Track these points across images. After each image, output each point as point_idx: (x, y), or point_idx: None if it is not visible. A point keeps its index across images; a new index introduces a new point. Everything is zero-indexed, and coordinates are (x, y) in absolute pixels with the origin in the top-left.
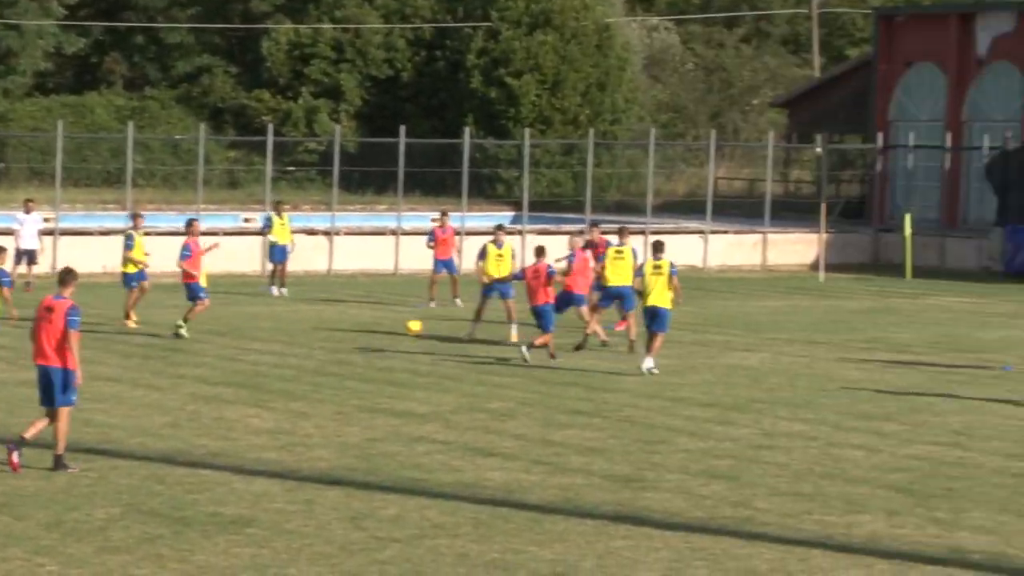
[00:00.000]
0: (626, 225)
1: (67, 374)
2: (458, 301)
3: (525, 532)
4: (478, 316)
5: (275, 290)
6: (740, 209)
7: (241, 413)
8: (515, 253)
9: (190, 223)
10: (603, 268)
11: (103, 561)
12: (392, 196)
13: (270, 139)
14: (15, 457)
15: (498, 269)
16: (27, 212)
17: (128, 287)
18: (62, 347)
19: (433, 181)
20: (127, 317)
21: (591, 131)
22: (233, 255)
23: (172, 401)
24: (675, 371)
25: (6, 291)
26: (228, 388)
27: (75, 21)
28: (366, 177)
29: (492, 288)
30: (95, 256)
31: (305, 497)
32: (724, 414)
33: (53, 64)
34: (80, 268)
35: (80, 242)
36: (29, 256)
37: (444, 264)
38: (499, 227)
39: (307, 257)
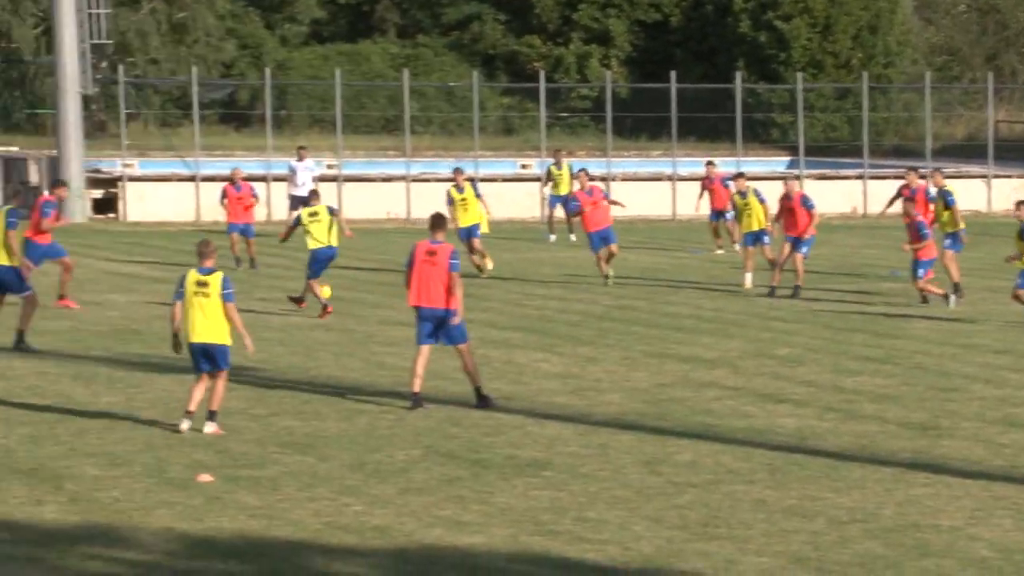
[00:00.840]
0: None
1: (453, 314)
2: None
3: (821, 479)
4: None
5: (552, 237)
6: (1022, 153)
7: (530, 357)
8: None
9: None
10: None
11: (406, 502)
12: (665, 142)
13: (543, 85)
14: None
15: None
16: (300, 160)
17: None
18: (449, 289)
19: (706, 127)
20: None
21: (864, 75)
22: (513, 202)
23: None
24: (966, 317)
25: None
26: (516, 332)
27: None
28: (638, 123)
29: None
30: (377, 202)
31: (599, 441)
32: (1019, 361)
33: (328, 13)
34: (362, 214)
35: (362, 188)
36: (303, 203)
37: (717, 214)
38: None
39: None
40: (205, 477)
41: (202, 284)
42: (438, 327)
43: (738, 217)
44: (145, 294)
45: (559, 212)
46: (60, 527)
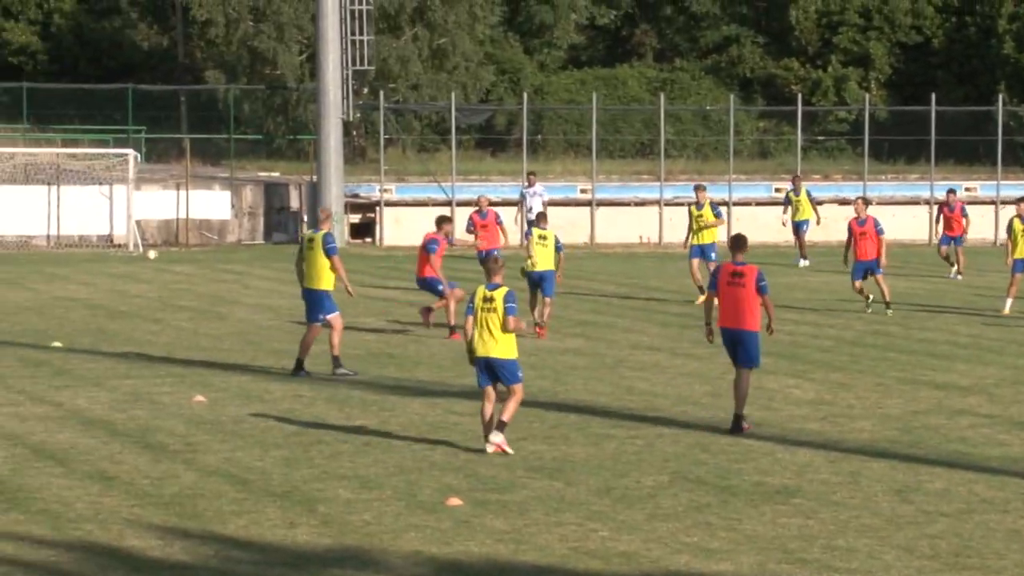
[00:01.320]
0: None
1: (752, 336)
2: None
3: None
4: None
5: (803, 262)
6: None
7: (781, 383)
8: None
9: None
10: None
11: (653, 528)
12: (923, 165)
13: (800, 108)
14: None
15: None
16: (530, 185)
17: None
18: (753, 310)
19: (965, 150)
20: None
21: None
22: (765, 226)
23: (711, 370)
24: None
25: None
26: (767, 358)
27: None
28: (896, 146)
29: None
30: (630, 226)
31: (849, 469)
32: None
33: (586, 37)
34: (615, 238)
35: (614, 212)
36: (532, 226)
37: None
38: None
39: (840, 227)
40: (454, 501)
41: (488, 299)
42: (736, 347)
43: (1013, 242)
44: (399, 318)
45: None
46: (312, 549)
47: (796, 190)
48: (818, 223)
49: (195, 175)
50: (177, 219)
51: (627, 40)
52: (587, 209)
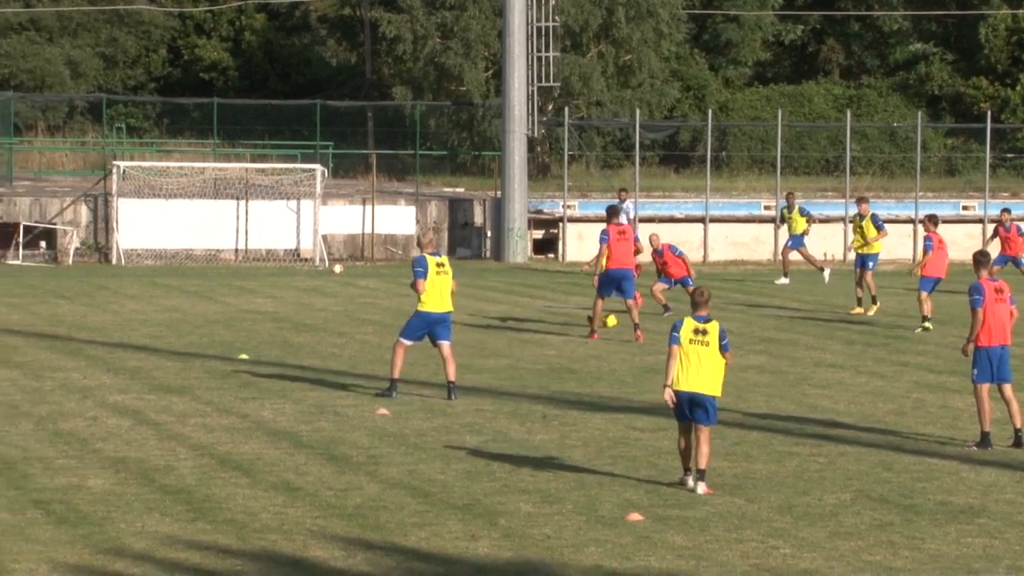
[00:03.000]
0: None
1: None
2: None
3: None
4: None
5: (782, 279)
6: None
7: (967, 402)
8: None
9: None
10: None
11: (835, 546)
12: None
13: (988, 126)
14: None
15: None
16: (621, 201)
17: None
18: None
19: None
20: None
21: None
22: (952, 243)
23: (895, 388)
24: None
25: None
26: (952, 377)
27: (792, 10)
28: None
29: None
30: (814, 243)
31: None
32: None
33: (772, 54)
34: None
35: None
36: None
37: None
38: None
39: None
40: (635, 516)
41: (700, 332)
42: (1000, 365)
43: None
44: (581, 333)
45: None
46: (493, 562)
47: (790, 207)
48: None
49: (381, 190)
50: (363, 234)
51: (814, 57)
52: (771, 226)
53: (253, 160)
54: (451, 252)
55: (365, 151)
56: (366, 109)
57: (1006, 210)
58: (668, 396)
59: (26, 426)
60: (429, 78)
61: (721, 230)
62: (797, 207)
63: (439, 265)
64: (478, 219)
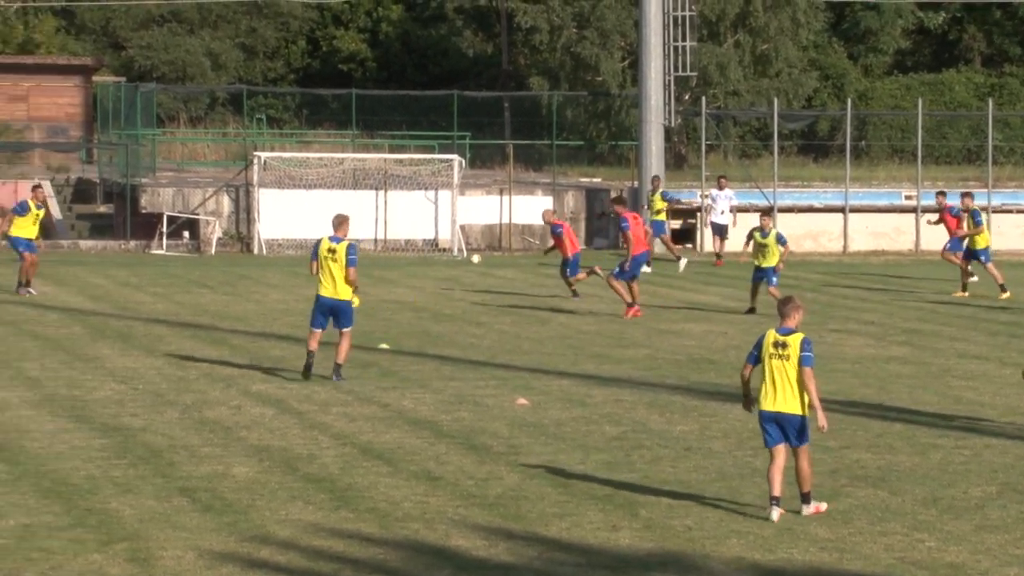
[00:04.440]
0: None
1: None
2: None
3: None
4: None
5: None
6: None
7: None
8: None
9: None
10: None
11: (981, 539)
12: None
13: None
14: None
15: None
16: (720, 188)
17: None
18: None
19: None
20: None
21: None
22: None
23: None
24: None
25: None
26: None
27: None
28: None
29: None
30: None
31: None
32: None
33: (912, 42)
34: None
35: None
36: (720, 231)
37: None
38: None
39: None
40: (777, 513)
41: (781, 345)
42: None
43: None
44: (720, 324)
45: None
46: (634, 553)
47: (653, 190)
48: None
49: (518, 180)
50: (500, 224)
51: (954, 45)
52: (912, 216)
53: (391, 151)
54: (588, 242)
55: (502, 141)
56: (503, 99)
57: (941, 193)
58: (749, 409)
59: (171, 414)
60: (565, 68)
61: (861, 220)
62: (660, 191)
63: (330, 251)
64: None
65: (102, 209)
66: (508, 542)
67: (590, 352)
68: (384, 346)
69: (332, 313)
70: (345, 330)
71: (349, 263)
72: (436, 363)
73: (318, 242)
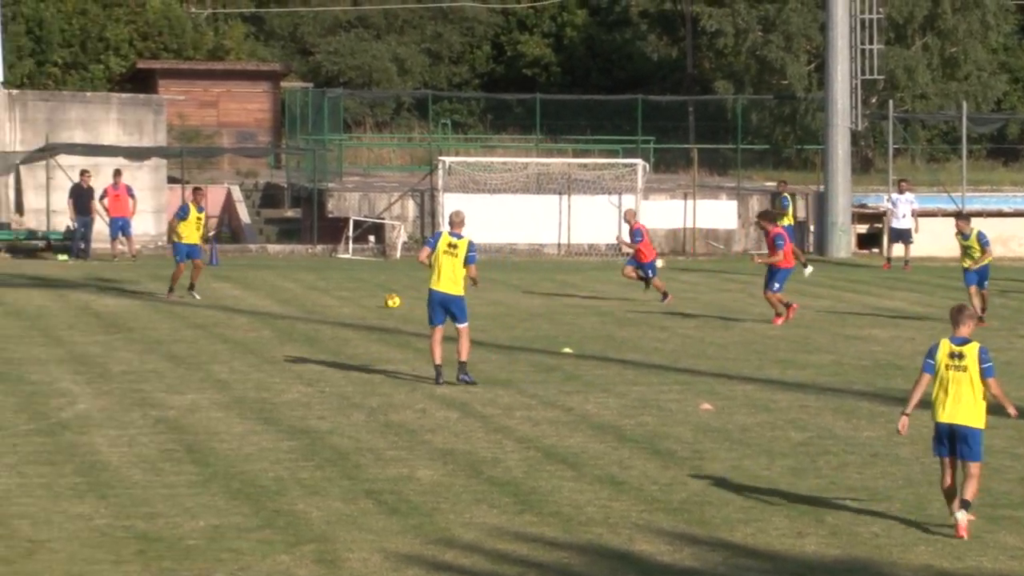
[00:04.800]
0: None
1: None
2: None
3: None
4: None
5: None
6: None
7: None
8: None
9: None
10: None
11: None
12: None
13: None
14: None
15: None
16: (900, 192)
17: None
18: None
19: None
20: None
21: None
22: None
23: None
24: None
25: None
26: None
27: None
28: None
29: None
30: None
31: None
32: None
33: None
34: None
35: None
36: (902, 236)
37: None
38: None
39: None
40: (963, 519)
41: (957, 356)
42: None
43: None
44: (907, 329)
45: None
46: (820, 560)
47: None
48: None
49: (702, 185)
50: (684, 228)
51: None
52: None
53: (575, 155)
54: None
55: (686, 145)
56: (687, 103)
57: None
58: (902, 425)
59: (358, 417)
60: (750, 72)
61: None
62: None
63: (451, 246)
64: (800, 213)
65: (289, 213)
66: (692, 547)
67: (775, 357)
68: (567, 350)
69: (445, 308)
70: (461, 326)
71: (469, 260)
72: (619, 367)
73: (439, 235)
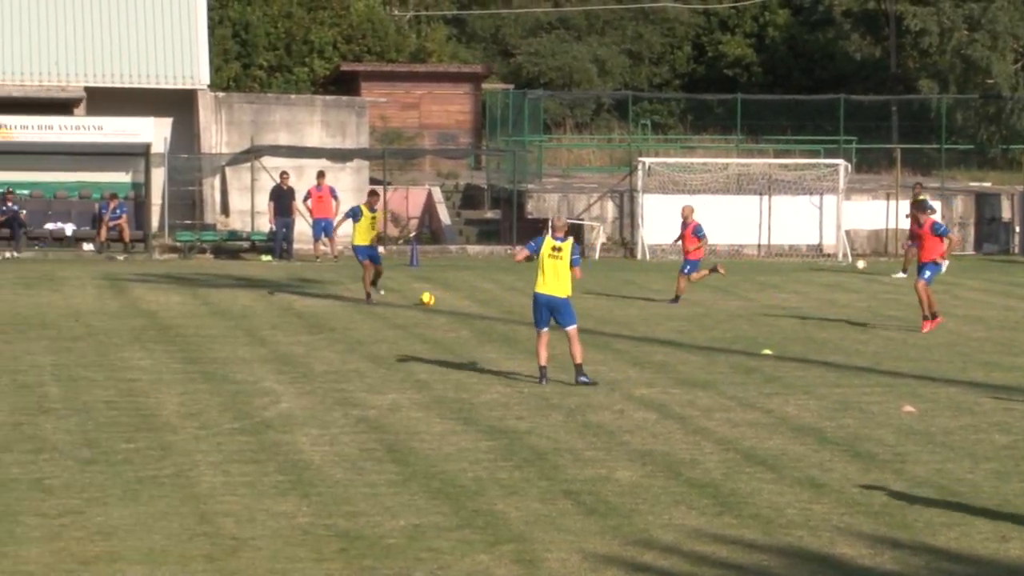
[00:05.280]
0: None
1: None
2: None
3: None
4: None
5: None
6: None
7: None
8: None
9: None
10: None
11: None
12: None
13: None
14: None
15: None
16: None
17: None
18: None
19: None
20: None
21: None
22: None
23: None
24: None
25: None
26: None
27: None
28: None
29: None
30: None
31: None
32: None
33: None
34: None
35: None
36: None
37: None
38: None
39: None
40: None
41: None
42: None
43: None
44: None
45: None
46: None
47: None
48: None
49: (905, 185)
50: (886, 229)
51: None
52: None
53: (776, 155)
54: (977, 247)
55: (889, 145)
56: (890, 103)
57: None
58: None
59: (556, 418)
60: (955, 71)
61: None
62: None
63: (555, 249)
64: (1006, 214)
65: (489, 215)
66: (894, 551)
67: (979, 359)
68: (767, 352)
69: (551, 310)
70: (570, 328)
71: (574, 263)
72: (820, 369)
73: (542, 238)
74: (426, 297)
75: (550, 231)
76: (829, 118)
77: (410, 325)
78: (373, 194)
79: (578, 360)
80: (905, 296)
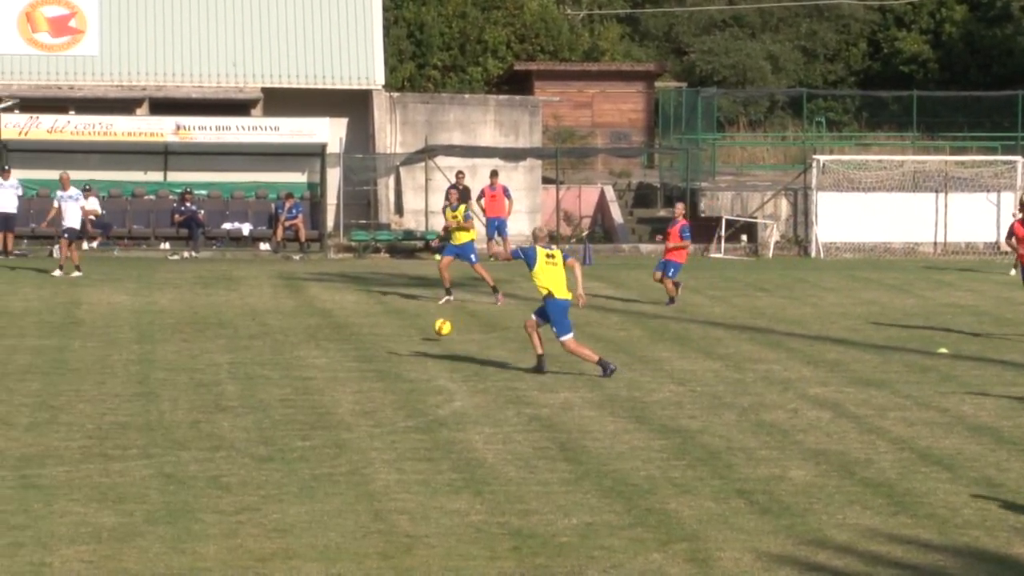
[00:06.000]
0: None
1: None
2: None
3: None
4: None
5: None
6: None
7: None
8: None
9: None
10: None
11: None
12: None
13: None
14: None
15: None
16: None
17: None
18: None
19: None
20: None
21: None
22: None
23: None
24: None
25: None
26: None
27: None
28: None
29: None
30: None
31: None
32: None
33: None
34: None
35: None
36: None
37: None
38: None
39: None
40: None
41: None
42: None
43: None
44: None
45: None
46: None
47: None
48: None
49: None
50: None
51: None
52: None
53: (952, 152)
54: None
55: None
56: None
57: None
58: None
59: (729, 417)
60: None
61: None
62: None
63: (549, 256)
64: None
65: (662, 213)
66: None
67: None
68: (943, 350)
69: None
70: (566, 339)
71: (566, 256)
72: (997, 368)
73: (533, 251)
74: (440, 325)
75: (535, 241)
76: (1007, 114)
77: (582, 324)
78: (452, 188)
79: (594, 359)
80: None
